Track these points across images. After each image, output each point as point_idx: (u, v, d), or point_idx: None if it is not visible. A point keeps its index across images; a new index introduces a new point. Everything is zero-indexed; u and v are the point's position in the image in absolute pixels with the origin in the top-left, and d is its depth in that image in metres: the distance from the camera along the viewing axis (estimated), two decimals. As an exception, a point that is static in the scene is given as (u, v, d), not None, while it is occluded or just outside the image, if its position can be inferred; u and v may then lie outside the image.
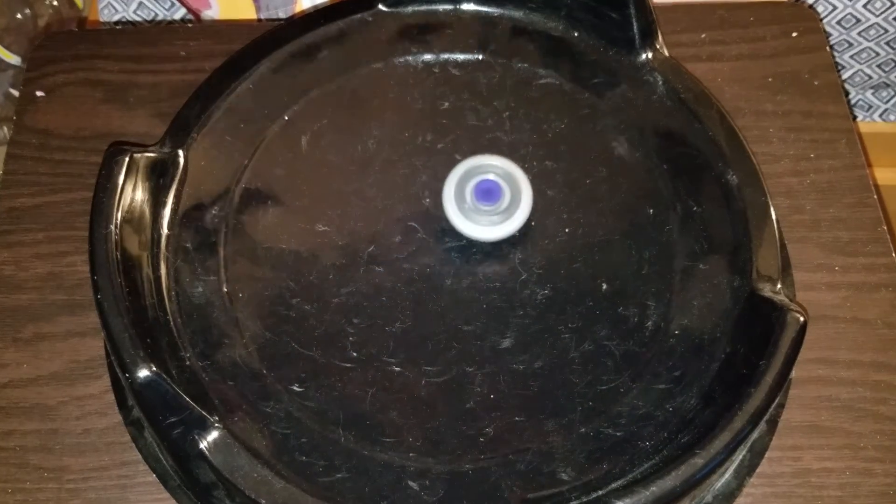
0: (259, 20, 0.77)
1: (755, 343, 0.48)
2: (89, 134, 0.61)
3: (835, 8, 0.80)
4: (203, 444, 0.45)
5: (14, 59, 0.87)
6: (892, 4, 0.79)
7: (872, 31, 0.82)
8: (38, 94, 0.63)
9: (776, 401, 0.47)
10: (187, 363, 0.49)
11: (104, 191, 0.50)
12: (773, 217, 0.53)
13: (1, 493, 0.50)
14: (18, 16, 0.86)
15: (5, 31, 0.86)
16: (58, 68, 0.64)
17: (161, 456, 0.50)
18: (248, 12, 0.78)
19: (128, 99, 0.63)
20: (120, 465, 0.51)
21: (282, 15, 0.77)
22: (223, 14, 0.79)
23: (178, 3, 0.80)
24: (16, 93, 0.87)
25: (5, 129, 0.89)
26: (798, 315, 0.48)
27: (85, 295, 0.56)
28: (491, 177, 0.54)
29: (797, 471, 0.51)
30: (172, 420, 0.45)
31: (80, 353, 0.54)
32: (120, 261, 0.48)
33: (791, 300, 0.51)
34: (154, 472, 0.50)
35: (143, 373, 0.45)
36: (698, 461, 0.44)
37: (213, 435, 0.45)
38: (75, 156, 0.61)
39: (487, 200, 0.53)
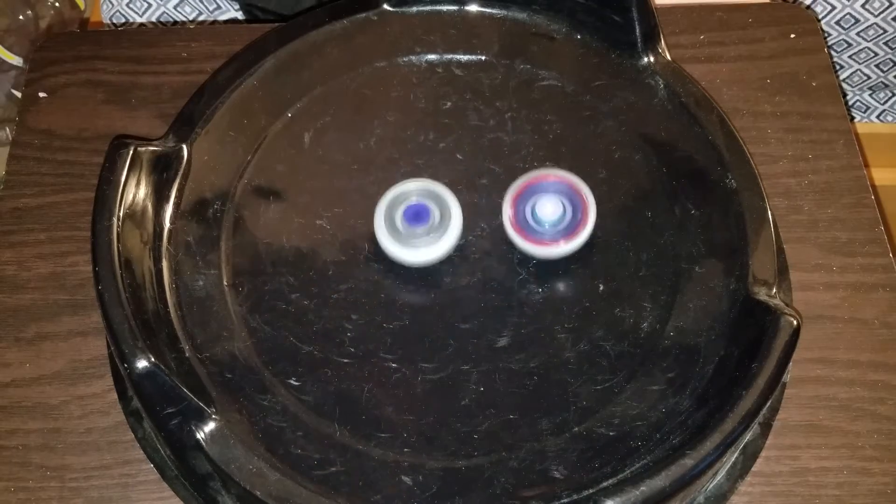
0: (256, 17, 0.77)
1: (749, 346, 0.48)
2: (91, 134, 0.62)
3: (833, 8, 0.81)
4: (200, 436, 0.45)
5: (16, 60, 0.88)
6: (891, 4, 0.79)
7: (871, 32, 0.82)
8: (41, 94, 0.63)
9: (768, 404, 0.47)
10: (186, 355, 0.49)
11: (108, 183, 0.50)
12: (771, 221, 0.53)
13: (4, 491, 0.50)
14: (20, 17, 0.87)
15: (7, 33, 0.86)
16: (60, 69, 0.64)
17: (159, 446, 0.50)
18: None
19: (129, 100, 0.63)
20: (122, 464, 0.51)
21: None
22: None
23: (178, 2, 0.80)
24: (18, 94, 0.88)
25: (7, 129, 0.90)
26: (792, 319, 0.48)
27: (87, 295, 0.56)
28: (415, 200, 0.54)
29: (795, 470, 0.51)
30: (170, 411, 0.45)
31: (82, 353, 0.54)
32: (122, 253, 0.48)
33: (787, 304, 0.51)
34: (152, 462, 0.50)
35: (142, 363, 0.45)
36: (688, 462, 0.45)
37: (210, 426, 0.46)
38: (77, 156, 0.61)
39: (417, 223, 0.53)
